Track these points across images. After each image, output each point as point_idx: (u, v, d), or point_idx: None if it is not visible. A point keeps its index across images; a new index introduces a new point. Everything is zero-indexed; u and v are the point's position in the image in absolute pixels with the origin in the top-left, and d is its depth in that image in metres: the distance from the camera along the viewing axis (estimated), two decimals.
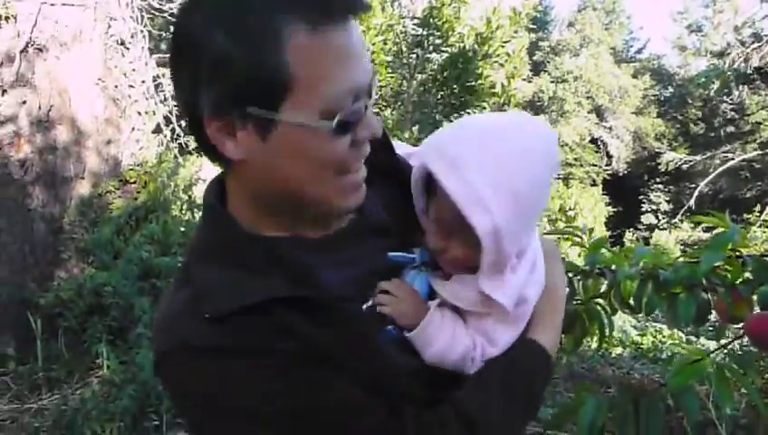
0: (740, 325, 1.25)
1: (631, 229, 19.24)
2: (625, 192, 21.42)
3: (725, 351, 1.23)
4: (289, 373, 0.77)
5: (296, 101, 0.74)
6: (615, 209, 19.40)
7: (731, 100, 18.49)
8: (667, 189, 22.19)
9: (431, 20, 6.97)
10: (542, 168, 0.86)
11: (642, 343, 6.28)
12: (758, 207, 15.35)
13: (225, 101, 0.75)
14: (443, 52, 7.27)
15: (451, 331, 0.90)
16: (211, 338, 0.76)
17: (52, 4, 5.13)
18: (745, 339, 1.31)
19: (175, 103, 6.39)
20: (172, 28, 0.80)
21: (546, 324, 0.96)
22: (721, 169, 15.96)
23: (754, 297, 1.22)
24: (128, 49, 5.75)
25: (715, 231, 1.38)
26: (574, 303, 1.31)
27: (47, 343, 4.61)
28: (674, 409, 1.21)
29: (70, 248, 5.08)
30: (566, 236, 1.45)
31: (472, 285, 0.89)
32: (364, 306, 0.88)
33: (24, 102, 5.02)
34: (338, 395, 0.79)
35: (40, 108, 5.09)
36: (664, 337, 6.30)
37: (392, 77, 7.01)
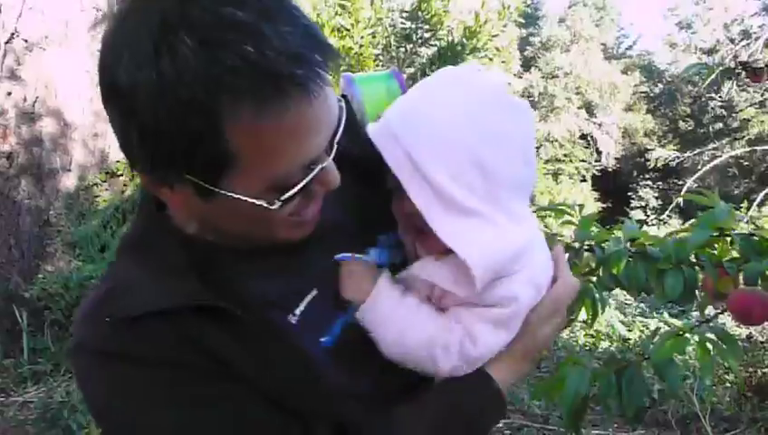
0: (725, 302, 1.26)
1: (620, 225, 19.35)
2: (614, 188, 21.54)
3: (709, 326, 1.23)
4: (182, 387, 0.74)
5: (239, 177, 0.69)
6: (604, 205, 19.51)
7: (719, 97, 18.60)
8: (655, 186, 22.32)
9: (420, 13, 6.96)
10: (499, 128, 0.79)
11: (629, 338, 6.32)
12: (745, 204, 15.47)
13: (158, 164, 0.69)
14: (431, 45, 7.25)
15: (411, 309, 0.82)
16: (106, 342, 0.74)
17: None
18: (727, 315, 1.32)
19: None
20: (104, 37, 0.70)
21: (514, 358, 0.85)
22: (709, 165, 16.02)
23: (740, 275, 1.22)
24: None
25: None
26: None
27: (33, 337, 4.59)
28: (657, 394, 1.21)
29: (56, 241, 5.04)
30: (556, 213, 1.43)
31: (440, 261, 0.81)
32: (293, 317, 0.82)
33: (10, 94, 4.97)
34: (237, 414, 0.75)
35: (26, 100, 5.04)
36: (650, 331, 6.34)
37: (380, 70, 7.00)
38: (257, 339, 0.77)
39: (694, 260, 1.24)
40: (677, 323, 5.45)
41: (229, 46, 0.62)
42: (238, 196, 0.70)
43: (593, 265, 1.30)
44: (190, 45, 0.61)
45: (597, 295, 1.27)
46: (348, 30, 6.48)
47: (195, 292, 0.75)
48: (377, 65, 6.65)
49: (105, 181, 5.33)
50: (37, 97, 5.08)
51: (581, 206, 1.28)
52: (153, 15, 0.63)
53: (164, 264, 0.78)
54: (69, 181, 5.20)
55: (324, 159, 0.74)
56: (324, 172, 0.74)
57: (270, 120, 0.65)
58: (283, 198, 0.71)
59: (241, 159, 0.67)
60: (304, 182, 0.71)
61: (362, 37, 6.48)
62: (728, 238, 1.24)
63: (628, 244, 1.27)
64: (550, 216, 1.39)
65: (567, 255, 1.32)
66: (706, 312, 1.28)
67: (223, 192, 0.69)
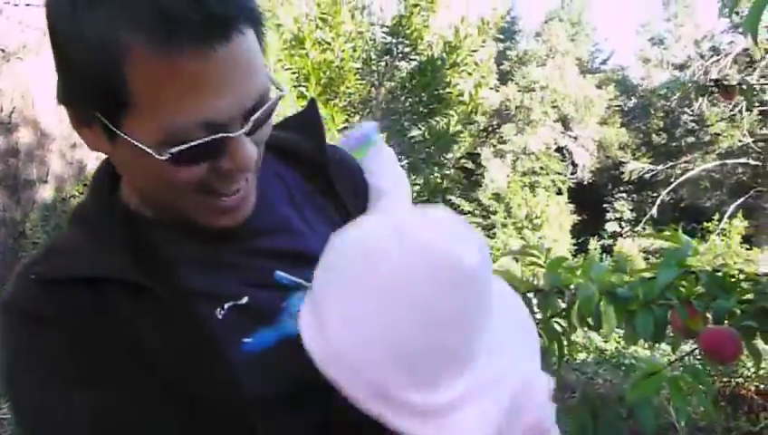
0: (695, 339, 1.31)
1: (596, 237, 19.59)
2: (590, 200, 21.80)
3: (681, 364, 1.28)
4: (78, 356, 0.73)
5: (137, 121, 0.68)
6: (580, 217, 19.74)
7: (691, 111, 19.00)
8: (630, 198, 22.66)
9: (400, 28, 7.01)
10: (439, 298, 0.66)
11: (606, 349, 6.40)
12: (717, 216, 15.79)
13: (72, 93, 0.71)
14: (412, 60, 7.32)
15: None
16: (28, 302, 0.75)
17: (15, 5, 5.03)
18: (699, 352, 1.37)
19: None
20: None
21: None
22: (682, 178, 16.39)
23: (709, 312, 1.27)
24: None
25: (670, 244, 1.43)
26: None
27: None
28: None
29: (32, 253, 4.97)
30: (525, 256, 1.48)
31: None
32: (221, 311, 0.79)
33: None
34: (121, 398, 0.73)
35: (2, 110, 4.99)
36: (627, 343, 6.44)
37: (361, 84, 7.04)
38: (174, 324, 0.76)
39: (663, 299, 1.29)
40: (651, 361, 5.56)
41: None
42: (132, 140, 0.68)
43: (563, 306, 1.34)
44: None
45: (564, 340, 1.32)
46: (329, 43, 6.52)
47: (125, 267, 0.75)
48: (357, 79, 6.70)
49: (82, 193, 5.28)
50: (14, 107, 5.03)
51: (549, 249, 1.32)
52: None
53: (103, 237, 0.79)
54: (45, 193, 5.14)
55: (232, 130, 0.70)
56: (234, 146, 0.71)
57: (165, 65, 0.64)
58: (171, 150, 0.68)
59: (138, 100, 0.66)
60: (198, 142, 0.68)
61: (343, 51, 6.52)
62: (694, 275, 1.29)
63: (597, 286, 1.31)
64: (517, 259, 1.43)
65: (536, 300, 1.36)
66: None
67: (121, 134, 0.69)
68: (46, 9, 0.70)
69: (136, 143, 0.68)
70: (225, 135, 0.69)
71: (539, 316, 1.33)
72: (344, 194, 0.93)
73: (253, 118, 0.72)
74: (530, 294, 1.35)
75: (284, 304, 0.82)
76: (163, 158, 0.68)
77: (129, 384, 0.73)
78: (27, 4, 5.08)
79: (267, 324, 0.80)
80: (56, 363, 0.73)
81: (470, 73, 7.50)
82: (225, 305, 0.79)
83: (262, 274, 0.80)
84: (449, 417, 0.66)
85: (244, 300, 0.80)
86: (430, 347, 0.66)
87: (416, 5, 7.00)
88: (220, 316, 0.79)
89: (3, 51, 5.01)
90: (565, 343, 1.31)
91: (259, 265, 0.82)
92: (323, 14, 6.63)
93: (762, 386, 4.69)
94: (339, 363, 0.66)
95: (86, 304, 0.74)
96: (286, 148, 0.93)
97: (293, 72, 6.34)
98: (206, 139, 0.68)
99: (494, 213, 19.27)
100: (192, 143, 0.68)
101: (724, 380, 4.70)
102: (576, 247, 17.65)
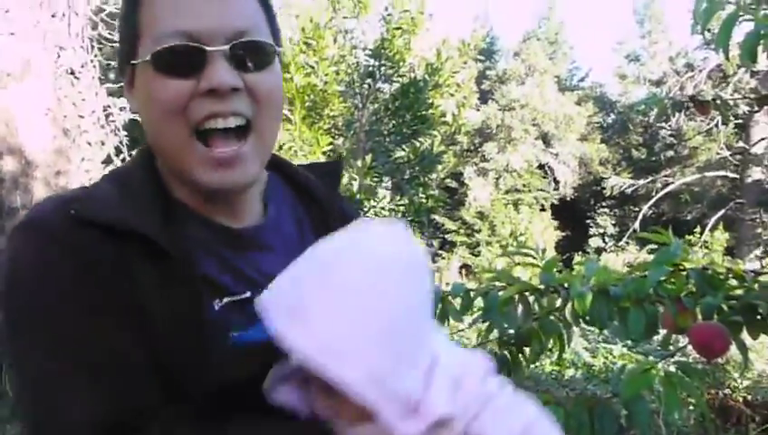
0: (686, 336, 1.34)
1: (580, 253, 19.73)
2: (573, 216, 21.99)
3: (672, 360, 1.31)
4: (92, 299, 0.77)
5: (140, 45, 0.85)
6: (564, 234, 19.89)
7: (669, 126, 19.33)
8: (612, 213, 22.88)
9: (382, 51, 7.12)
10: (400, 287, 0.74)
11: (594, 365, 6.44)
12: (698, 229, 15.99)
13: (119, 61, 0.91)
14: (394, 82, 7.42)
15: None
16: (60, 228, 0.78)
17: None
18: (690, 349, 1.40)
19: (125, 133, 6.32)
20: None
21: None
22: (663, 192, 16.59)
23: (698, 308, 1.31)
24: (78, 79, 5.66)
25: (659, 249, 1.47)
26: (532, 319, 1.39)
27: None
28: (626, 422, 1.28)
29: None
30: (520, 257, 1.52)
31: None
32: (218, 303, 0.84)
33: None
34: (116, 347, 0.77)
35: None
36: (615, 358, 6.48)
37: (345, 107, 7.11)
38: (177, 295, 0.80)
39: (654, 297, 1.33)
40: (641, 357, 5.59)
41: None
42: (136, 61, 0.85)
43: (558, 304, 1.38)
44: None
45: (564, 331, 1.35)
46: (312, 67, 6.60)
47: (154, 229, 0.81)
48: (341, 102, 6.77)
49: None
50: None
51: (544, 250, 1.36)
52: None
53: (137, 198, 0.85)
54: None
55: (212, 44, 0.81)
56: (211, 64, 0.81)
57: None
58: (154, 49, 0.81)
59: (140, 28, 0.85)
60: (175, 44, 0.80)
61: (327, 74, 6.60)
62: (684, 273, 1.33)
63: (590, 283, 1.35)
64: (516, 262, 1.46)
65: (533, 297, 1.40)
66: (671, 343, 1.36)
67: (132, 62, 0.86)
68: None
69: (135, 61, 0.85)
70: (198, 45, 0.81)
71: (537, 313, 1.37)
72: None
73: (234, 42, 0.82)
74: (526, 292, 1.38)
75: None
76: (147, 58, 0.82)
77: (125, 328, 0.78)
78: (11, 33, 5.08)
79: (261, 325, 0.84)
80: (72, 289, 0.77)
81: (452, 94, 7.62)
82: (225, 299, 0.85)
83: (260, 283, 0.85)
84: (427, 394, 0.73)
85: (247, 294, 0.86)
86: (406, 327, 0.74)
87: (397, 28, 7.12)
88: (216, 307, 0.84)
89: None
90: (564, 332, 1.34)
91: (261, 264, 0.89)
92: (307, 38, 6.72)
93: (750, 397, 4.73)
94: (328, 353, 0.70)
95: (109, 251, 0.78)
96: (303, 185, 1.04)
97: None
98: (182, 42, 0.81)
99: (479, 231, 19.37)
100: (170, 44, 0.81)
101: (712, 391, 4.73)
102: (561, 263, 17.72)
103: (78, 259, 0.78)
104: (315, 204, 1.03)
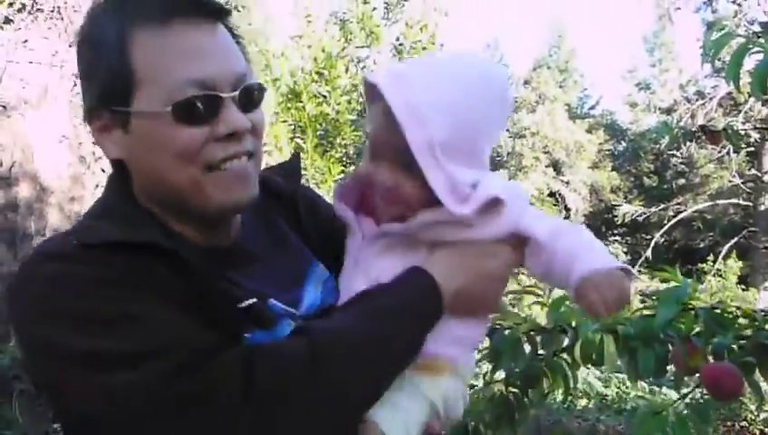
0: (697, 375, 1.33)
1: None
2: None
3: (686, 401, 1.29)
4: (125, 295, 0.78)
5: (143, 93, 0.84)
6: None
7: (680, 154, 19.27)
8: (624, 241, 22.73)
9: None
10: (487, 94, 0.90)
11: (607, 395, 6.34)
12: (711, 257, 15.83)
13: (95, 103, 0.87)
14: None
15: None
16: (69, 250, 0.81)
17: (17, 63, 5.15)
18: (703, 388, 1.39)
19: None
20: None
21: (451, 262, 0.91)
22: (674, 220, 16.49)
23: (708, 348, 1.30)
24: None
25: (668, 284, 1.46)
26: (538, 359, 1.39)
27: (0, 407, 4.44)
28: None
29: None
30: (527, 293, 1.51)
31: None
32: (243, 304, 0.88)
33: None
34: (164, 317, 0.78)
35: (2, 164, 5.04)
36: (628, 388, 6.38)
37: (357, 135, 7.16)
38: (202, 285, 0.83)
39: (663, 336, 1.32)
40: (655, 388, 5.51)
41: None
42: (143, 110, 0.84)
43: (565, 344, 1.37)
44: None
45: (569, 373, 1.34)
46: (325, 96, 6.67)
47: (157, 235, 0.84)
48: (353, 130, 6.83)
49: None
50: (14, 162, 5.09)
51: (551, 289, 1.36)
52: None
53: (131, 220, 0.87)
54: None
55: (223, 91, 0.86)
56: (226, 109, 0.86)
57: (160, 37, 0.83)
58: (175, 102, 0.82)
59: (142, 75, 0.83)
60: (193, 95, 0.83)
61: (339, 103, 6.67)
62: (693, 312, 1.32)
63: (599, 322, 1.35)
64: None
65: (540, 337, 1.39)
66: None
67: (133, 110, 0.84)
68: (77, 46, 0.89)
69: (146, 110, 0.83)
70: (215, 93, 0.85)
71: (543, 354, 1.37)
72: (308, 228, 1.08)
73: (241, 86, 0.87)
74: (532, 332, 1.38)
75: (279, 319, 0.92)
76: (167, 109, 0.82)
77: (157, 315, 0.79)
78: (30, 62, 5.20)
79: (267, 329, 0.90)
80: (93, 288, 0.78)
81: None
82: (240, 305, 0.87)
83: (258, 292, 0.91)
84: (481, 180, 0.88)
85: (251, 302, 0.90)
86: (479, 128, 0.89)
87: (410, 58, 7.20)
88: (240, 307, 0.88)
89: (4, 107, 5.10)
90: (569, 374, 1.33)
91: (256, 286, 0.92)
92: (319, 68, 6.81)
93: (767, 429, 4.64)
94: (412, 113, 0.84)
95: (122, 263, 0.80)
96: (272, 189, 1.07)
97: (290, 125, 6.48)
98: (200, 93, 0.83)
99: None
100: (189, 95, 0.83)
101: (728, 423, 4.65)
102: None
103: (91, 268, 0.79)
104: (282, 201, 1.08)
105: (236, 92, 0.87)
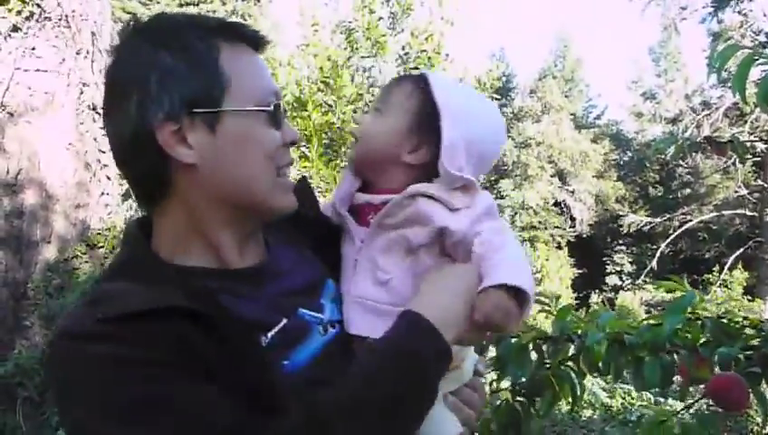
0: (702, 386, 1.32)
1: (597, 291, 19.50)
2: (589, 254, 21.81)
3: (690, 411, 1.28)
4: (156, 384, 0.78)
5: (233, 95, 0.91)
6: (580, 271, 19.69)
7: (686, 164, 19.24)
8: (629, 251, 22.68)
9: None
10: (496, 126, 1.09)
11: (612, 406, 6.31)
12: (717, 267, 15.77)
13: (174, 107, 0.88)
14: None
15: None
16: (93, 328, 0.79)
17: (25, 70, 5.18)
18: (708, 399, 1.38)
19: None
20: (107, 76, 0.94)
21: (437, 292, 0.93)
22: (680, 230, 16.44)
23: (715, 358, 1.29)
24: (99, 114, 5.79)
25: (674, 294, 1.46)
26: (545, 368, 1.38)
27: (4, 414, 4.44)
28: None
29: (33, 315, 4.95)
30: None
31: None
32: (265, 338, 0.90)
33: None
34: (195, 398, 0.78)
35: (8, 172, 5.07)
36: (633, 399, 6.35)
37: None
38: (233, 345, 0.83)
39: (669, 346, 1.31)
40: (660, 399, 5.48)
41: (212, 18, 0.96)
42: (240, 108, 0.91)
43: (572, 353, 1.37)
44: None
45: (576, 381, 1.33)
46: (330, 106, 6.70)
47: (180, 297, 0.82)
48: None
49: (85, 254, 5.31)
50: (20, 169, 5.11)
51: (558, 297, 1.35)
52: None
53: (151, 278, 0.87)
54: (48, 253, 5.17)
55: (281, 105, 0.97)
56: (285, 120, 0.98)
57: (244, 55, 0.95)
58: (266, 102, 0.93)
59: (231, 79, 0.91)
60: (279, 102, 0.95)
61: (344, 113, 6.69)
62: (699, 322, 1.31)
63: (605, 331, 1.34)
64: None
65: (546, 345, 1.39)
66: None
67: (228, 108, 0.90)
68: (131, 58, 0.92)
69: (243, 108, 0.91)
70: (281, 104, 0.96)
71: (549, 362, 1.36)
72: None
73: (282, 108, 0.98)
74: (538, 341, 1.37)
75: (312, 330, 0.96)
76: (269, 108, 0.93)
77: (194, 401, 0.78)
78: (37, 70, 5.23)
79: (300, 344, 0.94)
80: (126, 378, 0.77)
81: None
82: (270, 333, 0.90)
83: (288, 306, 0.95)
84: (476, 193, 1.02)
85: (284, 322, 0.92)
86: (488, 148, 1.07)
87: (415, 68, 7.22)
88: (264, 343, 0.90)
89: (11, 114, 5.13)
90: (576, 382, 1.32)
91: (275, 291, 0.96)
92: (325, 77, 6.83)
93: None
94: (449, 112, 1.01)
95: (148, 331, 0.79)
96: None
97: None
98: (279, 101, 0.96)
99: None
100: (277, 101, 0.95)
101: None
102: (578, 302, 17.54)
103: (118, 348, 0.78)
104: (301, 223, 1.09)
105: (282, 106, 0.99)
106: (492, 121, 1.09)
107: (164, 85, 0.88)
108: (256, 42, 0.98)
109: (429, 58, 7.26)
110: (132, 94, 0.89)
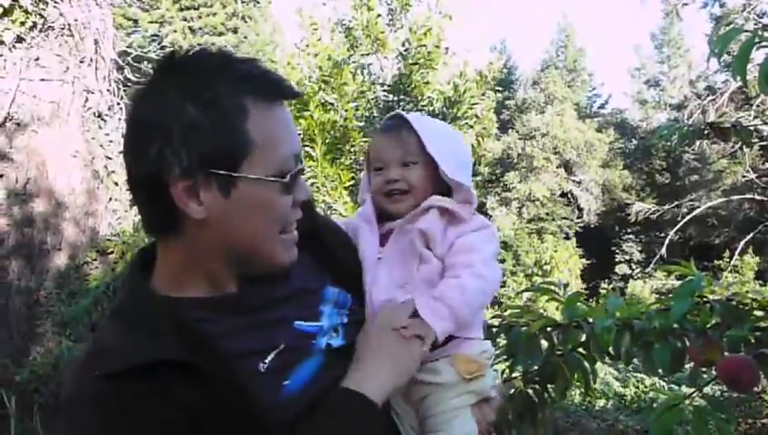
0: (713, 369, 1.32)
1: (606, 280, 19.45)
2: (598, 244, 21.73)
3: (702, 394, 1.29)
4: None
5: (253, 161, 0.89)
6: (589, 261, 19.62)
7: (692, 150, 19.12)
8: (638, 239, 22.58)
9: (401, 86, 7.22)
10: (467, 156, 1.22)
11: (625, 394, 6.30)
12: (727, 253, 15.69)
13: (192, 164, 0.87)
14: None
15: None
16: (96, 393, 0.84)
17: (30, 80, 5.22)
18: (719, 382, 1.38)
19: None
20: (132, 109, 0.94)
21: (373, 368, 0.98)
22: (688, 217, 16.35)
23: (724, 340, 1.30)
24: (105, 121, 5.84)
25: (684, 280, 1.46)
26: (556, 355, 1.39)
27: (21, 421, 4.48)
28: None
29: (46, 322, 5.00)
30: (543, 291, 1.52)
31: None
32: (263, 365, 0.93)
33: (1, 176, 5.04)
34: None
35: (17, 181, 5.11)
36: (646, 387, 6.34)
37: (365, 142, 7.19)
38: (222, 393, 0.86)
39: (678, 330, 1.32)
40: (673, 386, 5.47)
41: (246, 67, 0.92)
42: (257, 176, 0.90)
43: (582, 339, 1.37)
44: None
45: (588, 367, 1.34)
46: (332, 104, 6.70)
47: (170, 349, 0.86)
48: (362, 137, 6.84)
49: (96, 260, 5.35)
50: (29, 178, 5.15)
51: (566, 285, 1.36)
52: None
53: (145, 326, 0.90)
54: (60, 260, 5.21)
55: (300, 164, 0.96)
56: (301, 180, 0.97)
57: (271, 111, 0.92)
58: (290, 172, 0.92)
59: (254, 145, 0.89)
60: (299, 168, 0.95)
61: (346, 111, 6.70)
62: (708, 305, 1.32)
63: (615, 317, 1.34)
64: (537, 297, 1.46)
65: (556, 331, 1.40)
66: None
67: (244, 175, 0.89)
68: (155, 105, 0.89)
69: (259, 176, 0.90)
70: (301, 165, 0.96)
71: (560, 349, 1.37)
72: (335, 249, 1.14)
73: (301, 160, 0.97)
74: (548, 328, 1.38)
75: (313, 341, 0.99)
76: (286, 179, 0.92)
77: None
78: (42, 79, 5.27)
79: (301, 361, 0.96)
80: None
81: (471, 126, 7.65)
82: (268, 359, 0.93)
83: (285, 323, 0.98)
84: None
85: (281, 346, 0.95)
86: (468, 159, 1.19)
87: (414, 64, 7.21)
88: (263, 369, 0.92)
89: (18, 124, 5.17)
90: (588, 368, 1.32)
91: (280, 315, 0.98)
92: (326, 76, 6.84)
93: None
94: (433, 143, 1.13)
95: (141, 389, 0.84)
96: None
97: (299, 133, 6.50)
98: (299, 167, 0.95)
99: (503, 261, 19.20)
100: (294, 169, 0.94)
101: (750, 421, 4.60)
102: (587, 291, 17.50)
103: (118, 413, 0.84)
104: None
105: (301, 165, 0.97)
106: (460, 139, 1.25)
107: (186, 139, 0.86)
108: (285, 94, 0.97)
109: (429, 53, 7.26)
110: (154, 139, 0.88)
